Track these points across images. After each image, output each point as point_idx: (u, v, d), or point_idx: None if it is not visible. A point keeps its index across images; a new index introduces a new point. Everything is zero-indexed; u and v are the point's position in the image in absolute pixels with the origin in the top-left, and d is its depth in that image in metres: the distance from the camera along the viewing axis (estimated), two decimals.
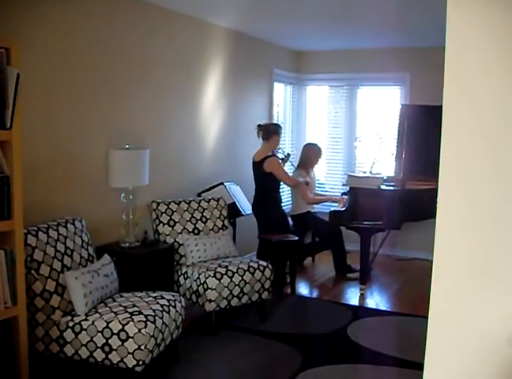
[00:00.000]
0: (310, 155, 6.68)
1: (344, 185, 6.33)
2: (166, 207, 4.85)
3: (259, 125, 5.88)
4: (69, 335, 3.32)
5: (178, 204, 4.94)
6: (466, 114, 1.63)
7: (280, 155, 6.19)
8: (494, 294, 1.62)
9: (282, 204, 6.10)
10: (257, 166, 5.78)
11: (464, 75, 1.61)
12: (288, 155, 6.35)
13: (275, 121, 6.90)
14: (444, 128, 1.65)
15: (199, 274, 4.44)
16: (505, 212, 1.59)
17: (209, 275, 4.38)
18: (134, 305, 3.50)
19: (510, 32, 1.54)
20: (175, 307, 3.69)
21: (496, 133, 1.59)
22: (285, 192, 6.95)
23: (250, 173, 5.96)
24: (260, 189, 5.85)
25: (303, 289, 6.02)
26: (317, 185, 7.17)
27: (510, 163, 1.57)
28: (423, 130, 5.64)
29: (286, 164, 6.28)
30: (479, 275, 1.64)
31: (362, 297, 5.66)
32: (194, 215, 4.98)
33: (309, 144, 6.93)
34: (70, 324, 3.33)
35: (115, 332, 3.26)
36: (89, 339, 3.29)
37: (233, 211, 5.51)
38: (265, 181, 5.77)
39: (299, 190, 6.40)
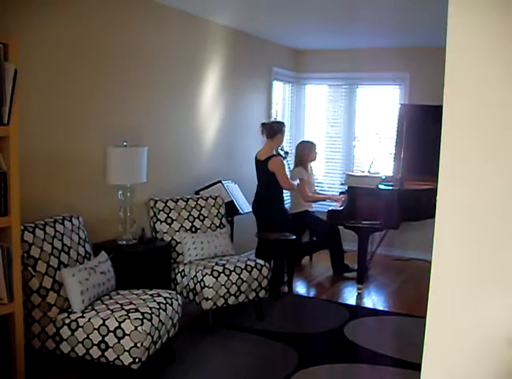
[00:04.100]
0: (302, 152, 6.67)
1: (342, 184, 6.33)
2: (163, 205, 4.84)
3: (263, 124, 5.87)
4: (65, 332, 3.31)
5: (176, 201, 4.93)
6: (466, 115, 1.62)
7: (282, 153, 6.18)
8: (492, 295, 1.61)
9: (285, 204, 6.09)
10: (262, 164, 5.76)
11: (464, 76, 1.61)
12: (287, 152, 6.34)
13: (279, 120, 6.89)
14: (444, 129, 1.64)
15: (196, 272, 4.44)
16: (504, 212, 1.58)
17: (206, 274, 4.38)
18: (131, 303, 3.49)
19: (510, 34, 1.53)
20: (171, 305, 3.69)
21: (496, 134, 1.58)
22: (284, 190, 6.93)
23: (248, 171, 5.96)
24: (263, 187, 5.83)
25: (301, 288, 6.02)
26: (315, 183, 7.17)
27: (509, 163, 1.57)
28: (422, 130, 5.64)
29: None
30: (477, 276, 1.64)
31: (359, 296, 5.66)
32: (192, 213, 4.97)
33: (301, 141, 6.94)
34: (67, 321, 3.32)
35: (112, 329, 3.25)
36: (85, 336, 3.28)
37: (231, 209, 5.51)
38: (270, 180, 5.74)
39: (298, 188, 6.40)
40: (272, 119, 6.81)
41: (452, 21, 1.59)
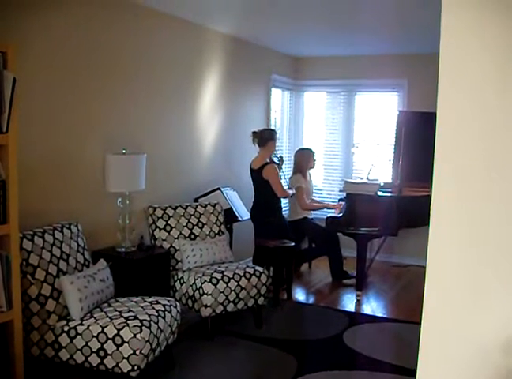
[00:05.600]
0: (300, 160, 6.69)
1: (341, 191, 6.34)
2: (162, 212, 4.84)
3: (254, 132, 5.88)
4: (64, 339, 3.30)
5: (175, 209, 4.94)
6: (460, 119, 1.63)
7: (276, 160, 6.18)
8: (488, 302, 1.61)
9: (282, 211, 6.10)
10: (256, 173, 5.77)
11: (458, 80, 1.61)
12: (281, 157, 6.31)
13: (271, 127, 6.91)
14: (438, 132, 1.65)
15: (195, 279, 4.43)
16: (499, 217, 1.58)
17: (205, 281, 4.38)
18: (130, 310, 3.49)
19: (505, 38, 1.54)
20: (170, 312, 3.68)
21: (490, 138, 1.59)
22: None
23: (246, 178, 5.97)
24: (260, 195, 5.84)
25: (300, 295, 6.02)
26: (314, 191, 7.17)
27: (503, 167, 1.57)
28: (420, 137, 5.62)
29: (281, 168, 6.25)
30: (472, 282, 1.64)
31: (358, 303, 5.65)
32: (191, 220, 4.97)
33: (299, 149, 6.96)
34: (65, 328, 3.32)
35: (110, 336, 3.25)
36: (84, 343, 3.27)
37: (230, 216, 5.51)
38: (265, 188, 5.75)
39: (296, 196, 6.40)
40: (263, 127, 6.81)
41: (445, 22, 1.60)
